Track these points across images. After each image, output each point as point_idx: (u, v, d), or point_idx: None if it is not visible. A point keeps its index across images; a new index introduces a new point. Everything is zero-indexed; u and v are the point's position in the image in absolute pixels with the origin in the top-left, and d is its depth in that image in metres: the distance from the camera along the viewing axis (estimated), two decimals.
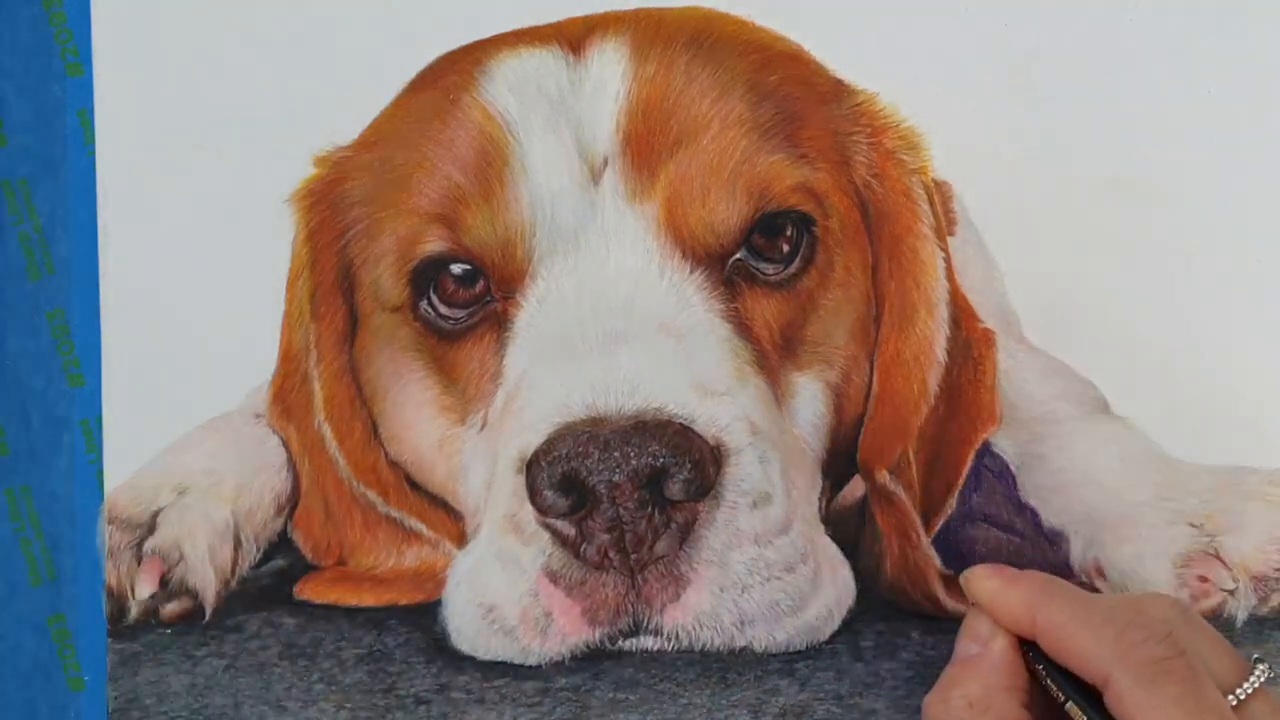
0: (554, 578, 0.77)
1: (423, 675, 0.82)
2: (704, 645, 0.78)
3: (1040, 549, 0.86)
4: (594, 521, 0.76)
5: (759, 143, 0.82)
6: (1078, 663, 0.68)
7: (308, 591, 0.88)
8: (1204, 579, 0.82)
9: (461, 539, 0.85)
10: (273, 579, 0.89)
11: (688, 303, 0.81)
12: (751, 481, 0.77)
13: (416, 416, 0.86)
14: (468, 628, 0.80)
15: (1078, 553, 0.86)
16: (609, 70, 0.83)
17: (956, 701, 0.70)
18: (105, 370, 0.88)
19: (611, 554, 0.76)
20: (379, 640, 0.84)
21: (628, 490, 0.75)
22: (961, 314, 0.85)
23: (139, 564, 0.85)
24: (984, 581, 0.73)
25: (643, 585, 0.76)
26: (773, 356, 0.82)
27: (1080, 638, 0.68)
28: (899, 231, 0.85)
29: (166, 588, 0.85)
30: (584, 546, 0.76)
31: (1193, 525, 0.83)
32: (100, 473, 0.87)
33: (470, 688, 0.80)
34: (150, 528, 0.85)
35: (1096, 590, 0.84)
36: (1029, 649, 0.72)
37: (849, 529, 0.85)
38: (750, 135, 0.82)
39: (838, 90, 0.86)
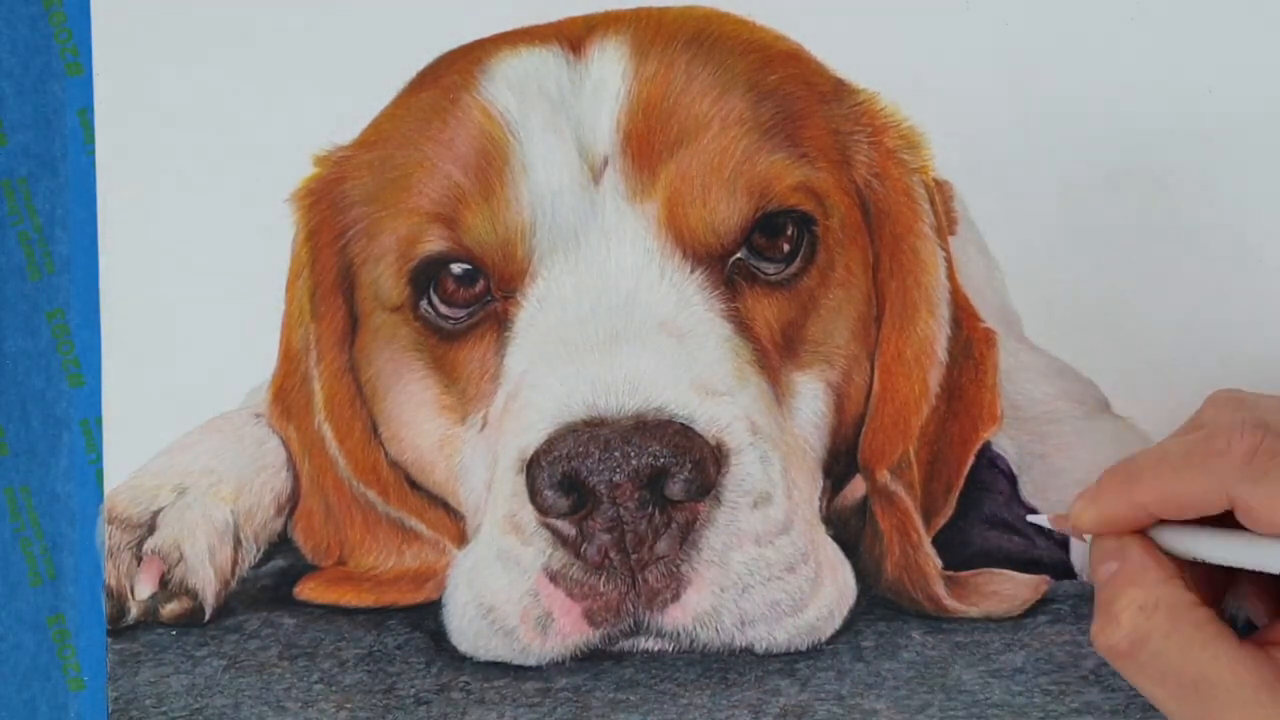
0: (554, 578, 0.77)
1: (423, 675, 0.82)
2: (704, 645, 0.78)
3: (1041, 549, 0.86)
4: (594, 521, 0.76)
5: (760, 142, 0.82)
6: (1198, 504, 0.68)
7: (308, 591, 0.87)
8: None
9: (461, 539, 0.85)
10: (273, 579, 0.89)
11: (688, 302, 0.80)
12: (752, 481, 0.77)
13: (416, 416, 0.86)
14: (468, 628, 0.80)
15: (1078, 552, 0.86)
16: (609, 69, 0.83)
17: (1126, 613, 0.69)
18: (105, 370, 0.88)
19: (612, 554, 0.76)
20: (379, 640, 0.84)
21: (628, 490, 0.75)
22: (962, 313, 0.85)
23: (139, 564, 0.85)
24: (1080, 515, 0.72)
25: (643, 585, 0.76)
26: (773, 356, 0.82)
27: (1183, 482, 0.67)
28: (900, 231, 0.85)
29: (166, 588, 0.85)
30: (584, 546, 0.76)
31: None
32: (100, 473, 0.87)
33: (470, 688, 0.80)
34: (150, 528, 0.85)
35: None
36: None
37: (849, 529, 0.85)
38: (751, 134, 0.82)
39: (838, 89, 0.86)
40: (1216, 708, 0.66)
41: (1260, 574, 0.70)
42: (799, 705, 0.78)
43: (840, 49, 0.87)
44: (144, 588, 0.84)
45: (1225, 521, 0.69)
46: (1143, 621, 0.69)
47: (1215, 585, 0.73)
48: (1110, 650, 0.70)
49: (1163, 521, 0.71)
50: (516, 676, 0.80)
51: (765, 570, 0.77)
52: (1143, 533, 0.72)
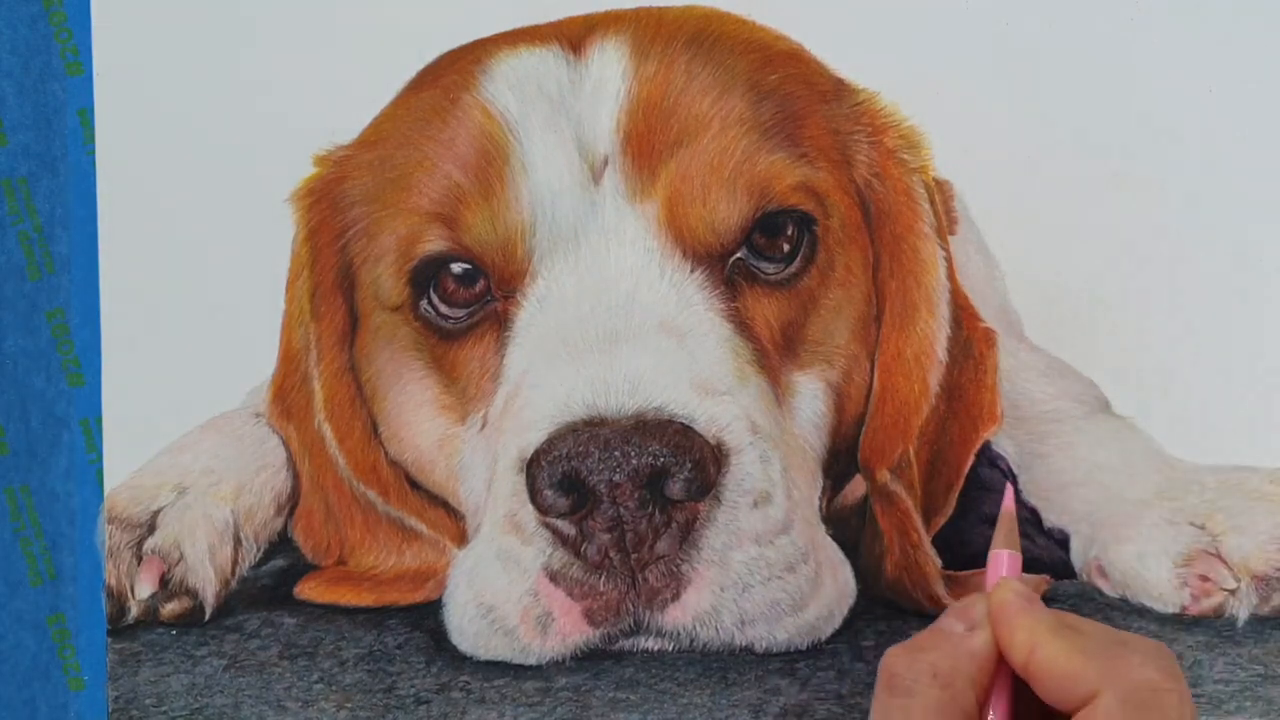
0: (554, 577, 0.77)
1: (423, 675, 0.82)
2: (704, 645, 0.78)
3: (1041, 549, 0.86)
4: (594, 521, 0.76)
5: (760, 142, 0.82)
6: (1065, 684, 0.65)
7: (308, 591, 0.88)
8: (1205, 578, 0.82)
9: (461, 539, 0.85)
10: (273, 579, 0.89)
11: (688, 302, 0.80)
12: (752, 481, 0.77)
13: (416, 416, 0.86)
14: (468, 627, 0.80)
15: (1079, 552, 0.86)
16: (609, 69, 0.83)
17: (922, 665, 0.67)
18: (105, 370, 0.88)
19: (612, 554, 0.76)
20: (379, 640, 0.84)
21: (628, 490, 0.75)
22: (962, 313, 0.85)
23: (139, 564, 0.85)
24: (1007, 593, 0.69)
25: (643, 585, 0.76)
26: (773, 356, 0.82)
27: (1073, 661, 0.65)
28: (900, 230, 0.85)
29: (166, 587, 0.85)
30: (584, 546, 0.76)
31: (1194, 524, 0.83)
32: (100, 472, 0.87)
33: (470, 688, 0.80)
34: (150, 527, 0.85)
35: (1098, 589, 0.84)
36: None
37: (849, 529, 0.85)
38: (751, 134, 0.82)
39: (838, 89, 0.86)
40: None
41: None
42: (799, 705, 0.78)
43: (840, 49, 0.87)
44: (144, 587, 0.84)
45: None
46: (924, 682, 0.67)
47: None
48: (886, 671, 0.68)
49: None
50: (516, 676, 0.80)
51: (765, 570, 0.77)
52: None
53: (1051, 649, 0.66)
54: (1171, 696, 0.64)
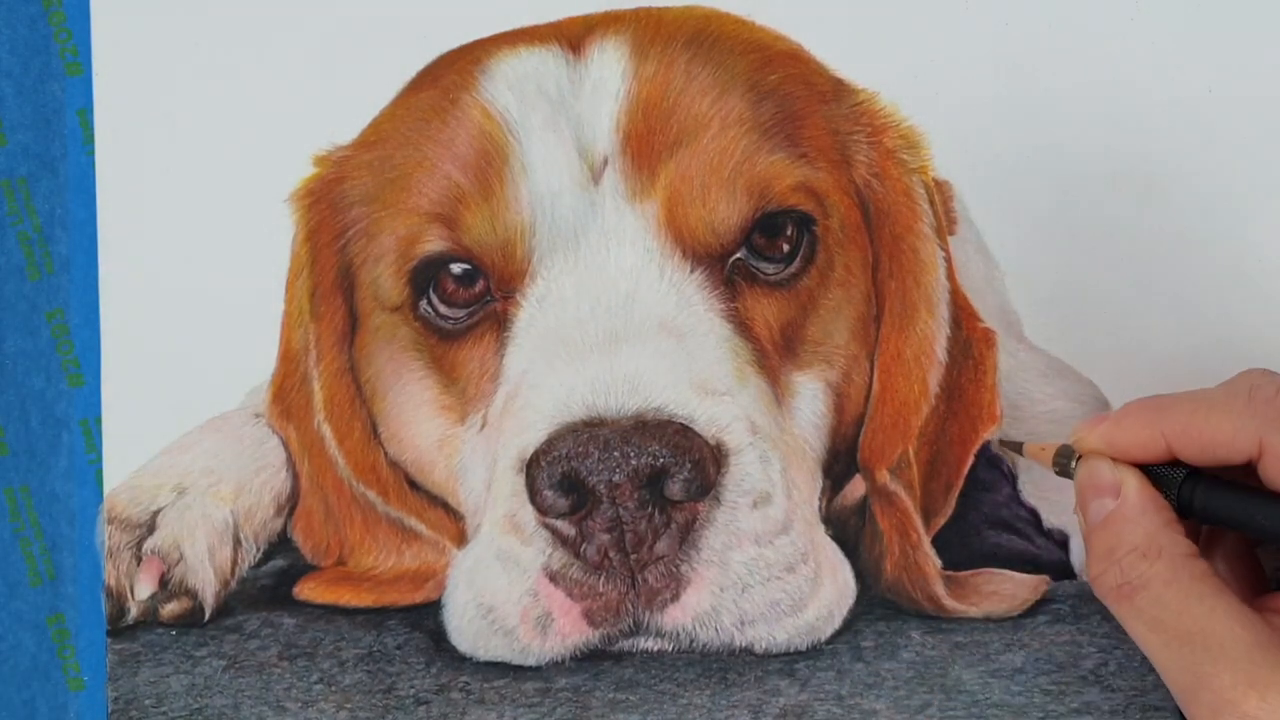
0: (554, 578, 0.77)
1: (422, 675, 0.82)
2: (704, 645, 0.78)
3: (1041, 549, 0.86)
4: (594, 521, 0.76)
5: (759, 142, 0.82)
6: (1225, 444, 0.66)
7: (307, 591, 0.87)
8: None
9: (461, 539, 0.85)
10: (273, 579, 0.89)
11: (688, 302, 0.81)
12: (752, 481, 0.77)
13: (416, 416, 0.86)
14: (468, 628, 0.81)
15: (1079, 552, 0.86)
16: (609, 69, 0.83)
17: (1127, 558, 0.67)
18: (105, 370, 0.88)
19: (611, 554, 0.76)
20: (379, 640, 0.84)
21: (628, 490, 0.75)
22: (962, 313, 0.85)
23: (138, 564, 0.85)
24: (1093, 429, 0.70)
25: (643, 585, 0.76)
26: (773, 356, 0.82)
27: (1216, 419, 0.66)
28: (899, 231, 0.85)
29: (166, 588, 0.85)
30: (584, 546, 0.76)
31: None
32: (100, 473, 0.87)
33: (470, 688, 0.80)
34: (150, 528, 0.85)
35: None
36: (1163, 484, 0.69)
37: (849, 529, 0.85)
38: (750, 134, 0.82)
39: (838, 89, 0.86)
40: (1209, 661, 0.65)
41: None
42: (799, 705, 0.78)
43: (840, 49, 0.87)
44: (144, 588, 0.85)
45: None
46: (1144, 567, 0.67)
47: (1195, 534, 0.72)
48: (1109, 593, 0.68)
49: (1173, 465, 0.69)
50: (516, 676, 0.80)
51: (765, 570, 0.77)
52: (1139, 469, 0.70)
53: (1186, 417, 0.66)
54: None
